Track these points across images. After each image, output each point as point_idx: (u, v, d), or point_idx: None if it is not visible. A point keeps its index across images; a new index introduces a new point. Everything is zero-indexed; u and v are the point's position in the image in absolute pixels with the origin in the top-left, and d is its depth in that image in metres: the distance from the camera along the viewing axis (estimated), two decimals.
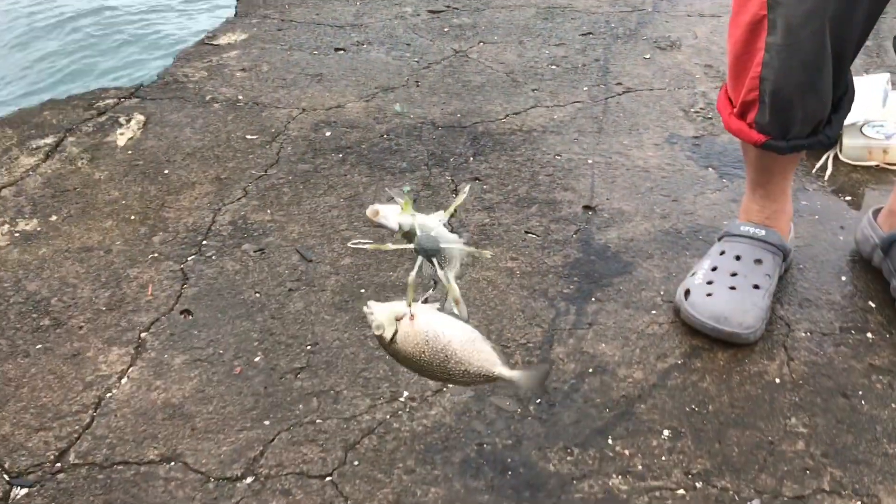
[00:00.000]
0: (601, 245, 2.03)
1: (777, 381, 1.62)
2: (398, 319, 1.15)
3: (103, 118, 2.75)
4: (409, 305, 1.16)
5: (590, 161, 2.38)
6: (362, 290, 1.90)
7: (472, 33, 3.34)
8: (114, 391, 1.66)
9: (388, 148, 2.50)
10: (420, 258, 1.18)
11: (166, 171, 2.43)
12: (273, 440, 1.53)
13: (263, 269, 2.00)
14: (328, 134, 2.59)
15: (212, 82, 2.97)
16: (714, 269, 1.78)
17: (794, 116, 1.58)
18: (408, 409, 1.57)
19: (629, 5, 3.50)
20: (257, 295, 1.91)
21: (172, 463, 1.49)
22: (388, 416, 1.56)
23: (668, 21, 3.33)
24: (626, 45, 3.14)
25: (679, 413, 1.55)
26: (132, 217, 2.23)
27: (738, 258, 1.78)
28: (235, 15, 3.67)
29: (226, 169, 2.43)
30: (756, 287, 1.73)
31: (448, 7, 3.62)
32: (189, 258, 2.06)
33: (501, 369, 1.17)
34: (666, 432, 1.51)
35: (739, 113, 1.67)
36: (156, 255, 2.07)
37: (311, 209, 2.21)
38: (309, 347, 1.74)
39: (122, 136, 2.63)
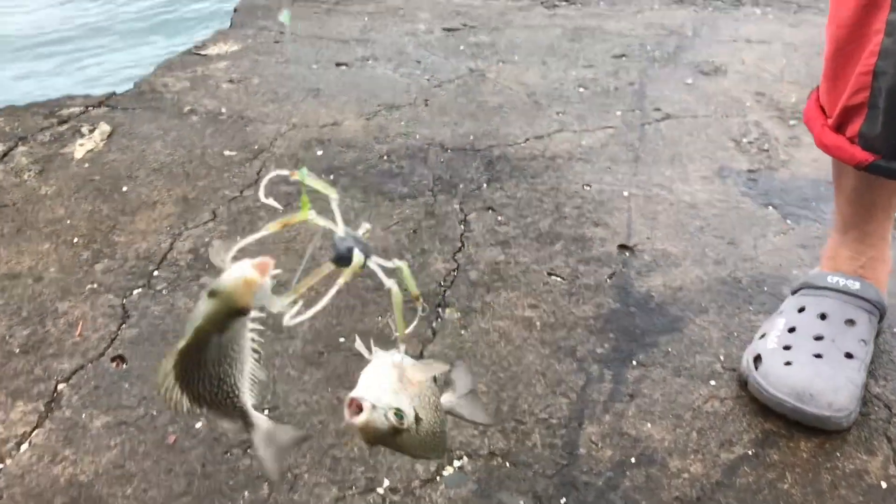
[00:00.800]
0: (642, 294, 1.63)
1: (883, 485, 1.21)
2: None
3: (64, 127, 2.39)
4: (402, 339, 0.81)
5: (625, 193, 2.00)
6: (341, 339, 1.51)
7: (491, 52, 2.98)
8: (7, 462, 1.27)
9: (388, 171, 2.12)
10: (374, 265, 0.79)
11: (125, 189, 2.06)
12: None
13: None
14: (319, 153, 2.22)
15: (193, 93, 2.62)
16: (792, 329, 1.38)
17: None
18: None
19: (666, 29, 3.15)
20: None
21: None
22: None
23: (711, 46, 2.96)
24: (664, 69, 2.77)
25: None
26: (75, 240, 1.86)
27: (823, 317, 1.38)
28: (231, 25, 3.33)
29: (195, 188, 2.06)
30: (849, 356, 1.33)
31: (465, 25, 3.27)
32: (134, 292, 1.68)
33: None
34: None
35: (837, 124, 1.27)
36: (94, 286, 1.70)
37: (290, 238, 1.83)
38: (266, 412, 1.35)
39: (80, 148, 2.27)
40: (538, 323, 1.55)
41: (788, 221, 1.89)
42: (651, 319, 1.56)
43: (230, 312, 0.68)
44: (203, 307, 0.68)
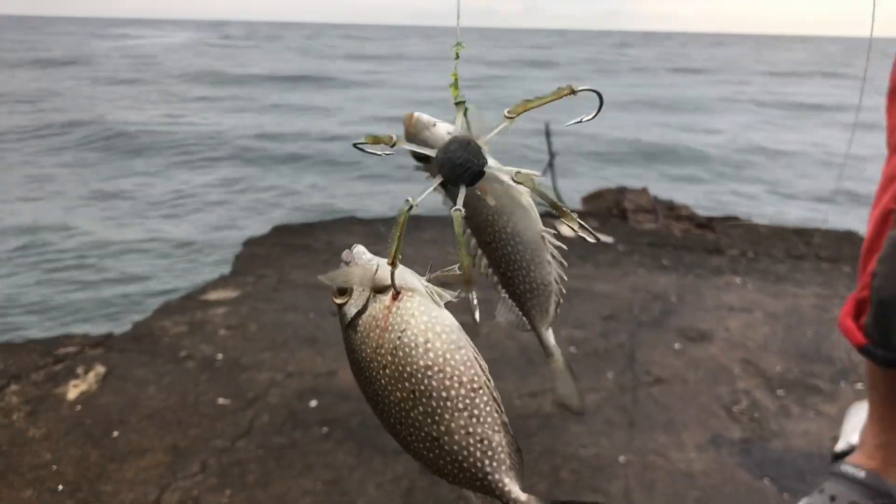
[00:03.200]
0: None
1: None
2: (377, 291, 0.67)
3: (59, 367, 2.39)
4: (393, 263, 0.66)
5: (621, 459, 1.99)
6: None
7: (485, 308, 3.07)
8: None
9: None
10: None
11: (115, 434, 2.03)
12: None
13: None
14: (314, 404, 2.22)
15: (190, 338, 2.65)
16: None
17: (893, 322, 1.44)
18: None
19: (651, 293, 3.28)
20: None
21: None
22: None
23: (695, 313, 3.07)
24: (651, 332, 2.86)
25: None
26: (60, 487, 1.80)
27: (832, 499, 1.58)
28: (232, 273, 3.44)
29: (186, 437, 2.03)
30: None
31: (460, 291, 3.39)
32: None
33: (505, 480, 0.66)
34: None
35: (855, 313, 1.52)
36: None
37: (281, 493, 1.79)
38: None
39: (74, 389, 2.26)
40: None
41: (785, 495, 1.87)
42: None
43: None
44: None
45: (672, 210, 5.81)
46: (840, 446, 2.05)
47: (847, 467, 1.59)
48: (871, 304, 1.46)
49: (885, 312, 1.43)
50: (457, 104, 0.70)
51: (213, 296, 3.09)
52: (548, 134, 5.96)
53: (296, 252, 3.70)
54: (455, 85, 0.70)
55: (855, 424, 2.09)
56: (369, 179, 9.58)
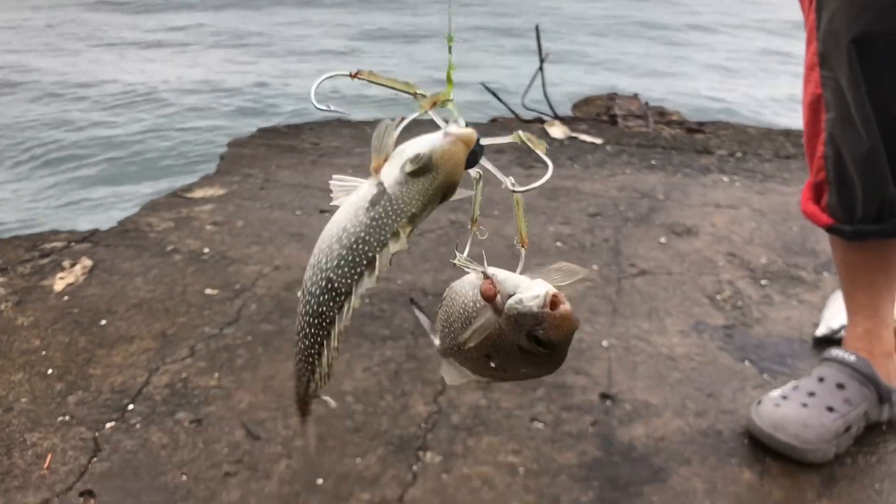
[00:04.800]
0: (625, 443, 1.62)
1: None
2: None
3: (45, 260, 2.39)
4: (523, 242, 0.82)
5: (604, 343, 2.02)
6: (319, 480, 1.48)
7: (471, 206, 3.06)
8: None
9: (370, 313, 2.14)
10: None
11: (103, 322, 2.05)
12: None
13: (198, 444, 1.58)
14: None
15: (177, 233, 2.65)
16: (795, 387, 1.66)
17: (855, 195, 1.48)
18: None
19: (638, 192, 3.27)
20: (184, 477, 1.48)
21: None
22: None
23: (682, 209, 3.08)
24: (637, 228, 2.87)
25: None
26: (49, 371, 1.82)
27: (820, 380, 1.63)
28: (217, 172, 3.41)
29: (174, 324, 2.05)
30: (830, 409, 1.58)
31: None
32: (107, 425, 1.64)
33: None
34: None
35: (815, 197, 1.59)
36: (66, 418, 1.65)
37: (268, 376, 1.82)
38: None
39: (60, 281, 2.26)
40: (522, 469, 1.53)
41: (765, 376, 1.91)
42: (634, 469, 1.54)
43: (448, 188, 0.60)
44: (403, 192, 0.59)
45: (663, 115, 5.77)
46: (821, 331, 2.08)
47: (838, 352, 1.66)
48: (829, 184, 1.53)
49: (843, 189, 1.50)
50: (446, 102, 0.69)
51: (198, 193, 3.07)
52: (538, 36, 5.86)
53: (283, 153, 3.67)
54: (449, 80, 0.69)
55: (835, 311, 2.12)
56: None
